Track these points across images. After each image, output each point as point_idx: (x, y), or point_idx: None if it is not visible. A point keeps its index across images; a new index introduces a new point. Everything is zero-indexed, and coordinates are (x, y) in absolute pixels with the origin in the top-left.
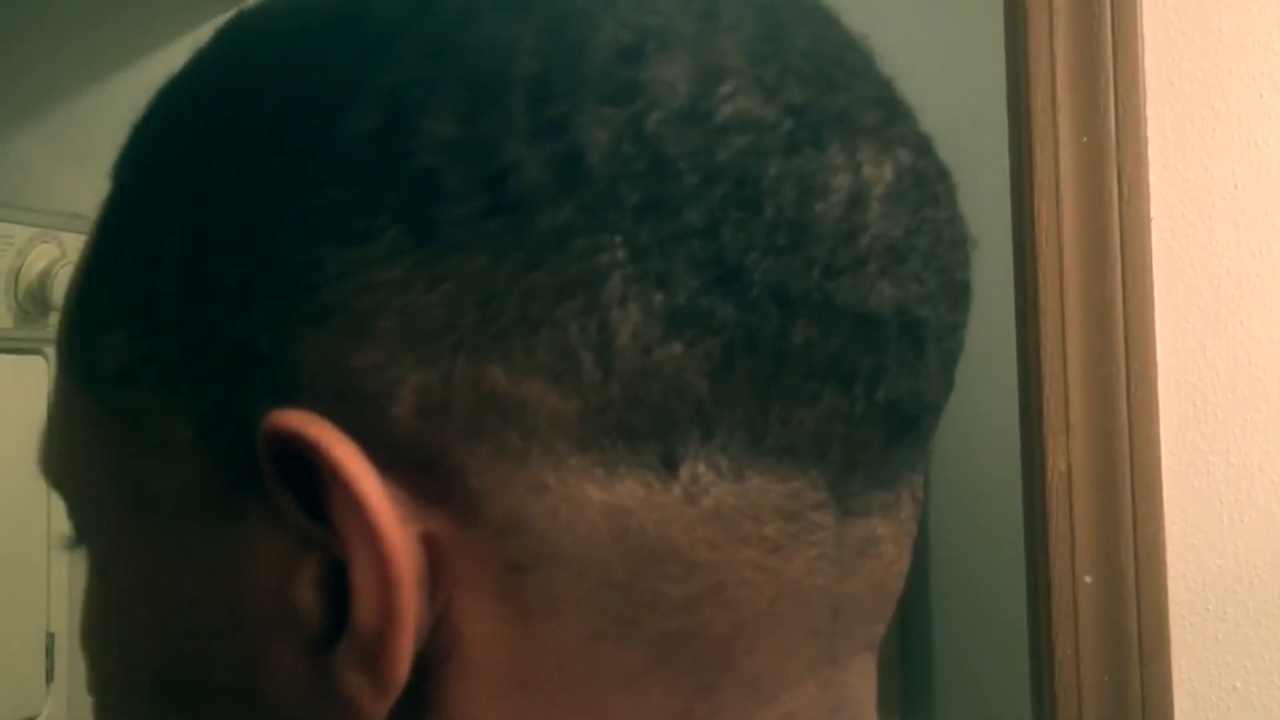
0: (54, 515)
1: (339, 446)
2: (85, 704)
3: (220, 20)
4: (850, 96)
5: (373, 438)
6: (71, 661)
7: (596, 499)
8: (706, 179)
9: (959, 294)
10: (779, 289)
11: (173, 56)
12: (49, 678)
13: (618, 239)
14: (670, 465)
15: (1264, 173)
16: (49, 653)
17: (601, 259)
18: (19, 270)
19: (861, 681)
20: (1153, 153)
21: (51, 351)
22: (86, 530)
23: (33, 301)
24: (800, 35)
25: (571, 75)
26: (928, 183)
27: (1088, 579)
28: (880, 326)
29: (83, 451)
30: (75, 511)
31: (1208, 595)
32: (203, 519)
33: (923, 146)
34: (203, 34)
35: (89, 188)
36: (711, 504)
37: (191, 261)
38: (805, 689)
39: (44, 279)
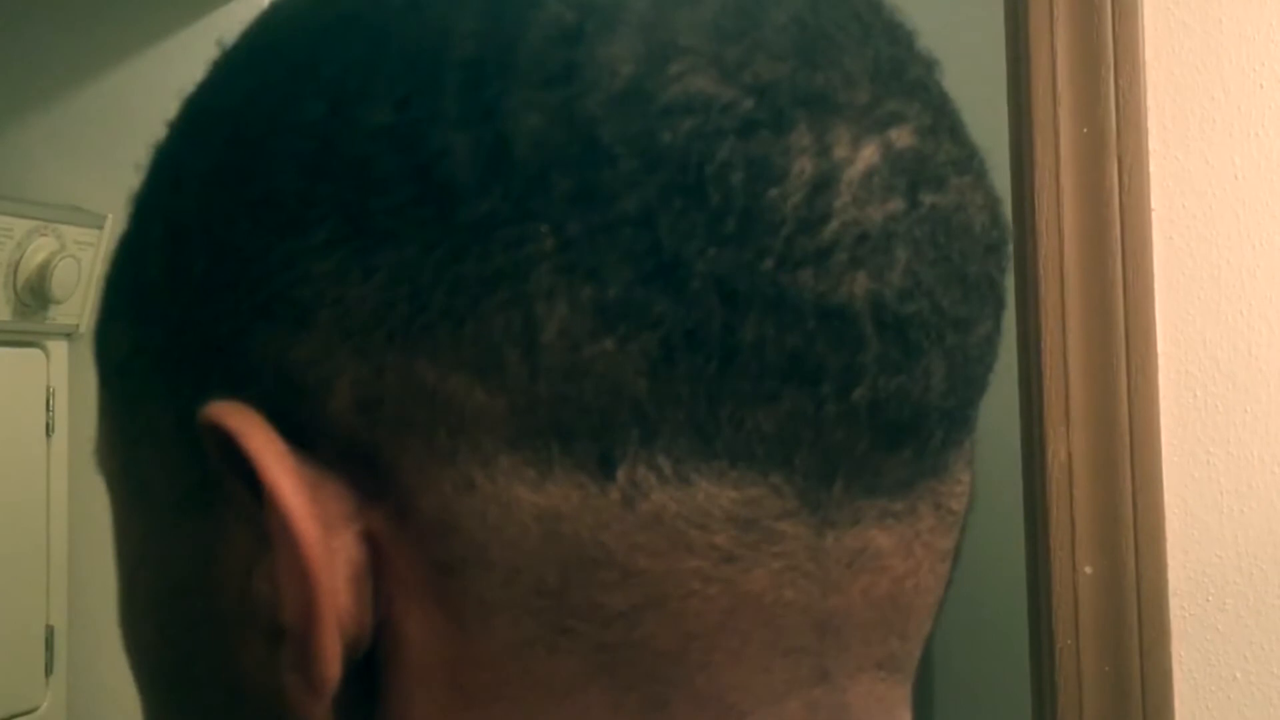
0: (53, 509)
1: (255, 438)
2: (84, 697)
3: (220, 13)
4: (834, 74)
5: (314, 431)
6: (71, 655)
7: (527, 500)
8: (645, 165)
9: (971, 286)
10: (724, 282)
11: (171, 50)
12: (48, 671)
13: (544, 229)
14: (606, 467)
15: (1264, 163)
16: (48, 646)
17: (527, 250)
18: (18, 263)
19: (868, 705)
20: (1153, 143)
21: (50, 344)
22: (112, 515)
23: (31, 294)
24: (783, 9)
25: (506, 58)
26: (929, 165)
27: (1088, 569)
28: (851, 322)
29: (104, 439)
30: (109, 496)
31: (1208, 585)
32: (186, 509)
33: (934, 125)
34: (200, 27)
35: (88, 181)
36: (651, 509)
37: (169, 252)
38: (787, 709)
39: (43, 272)
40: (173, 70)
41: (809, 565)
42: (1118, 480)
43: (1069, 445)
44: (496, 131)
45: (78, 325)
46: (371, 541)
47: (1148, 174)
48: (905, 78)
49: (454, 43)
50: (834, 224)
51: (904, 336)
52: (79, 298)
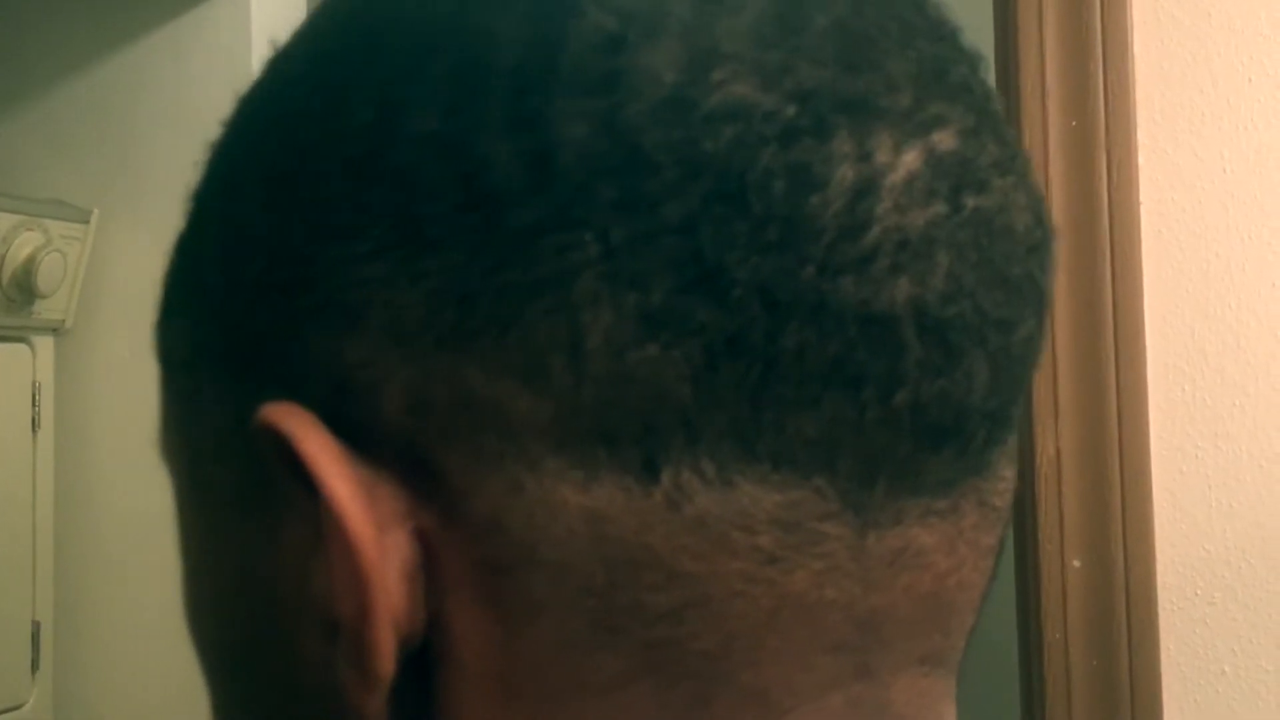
0: (38, 504)
1: (310, 440)
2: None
3: (205, 8)
4: (875, 78)
5: (366, 433)
6: (57, 651)
7: (574, 502)
8: (688, 173)
9: (1013, 287)
10: (766, 289)
11: (157, 45)
12: (34, 667)
13: (589, 237)
14: (651, 470)
15: (1253, 156)
16: (34, 642)
17: (571, 257)
18: (3, 258)
19: (911, 700)
20: (1142, 137)
21: (36, 339)
22: (175, 508)
23: (17, 289)
24: (824, 13)
25: (549, 66)
26: (971, 168)
27: (1076, 563)
28: (893, 327)
29: (166, 431)
30: (172, 485)
31: (1196, 580)
32: (245, 504)
33: (977, 126)
34: (187, 21)
35: (74, 175)
36: (695, 512)
37: (225, 254)
38: (830, 704)
39: (28, 266)
40: (159, 65)
41: (851, 565)
42: (1106, 475)
43: (1057, 440)
44: (540, 140)
45: (64, 320)
46: (423, 540)
47: (1136, 168)
48: (948, 79)
49: (498, 51)
50: (875, 230)
51: (945, 340)
52: (65, 293)
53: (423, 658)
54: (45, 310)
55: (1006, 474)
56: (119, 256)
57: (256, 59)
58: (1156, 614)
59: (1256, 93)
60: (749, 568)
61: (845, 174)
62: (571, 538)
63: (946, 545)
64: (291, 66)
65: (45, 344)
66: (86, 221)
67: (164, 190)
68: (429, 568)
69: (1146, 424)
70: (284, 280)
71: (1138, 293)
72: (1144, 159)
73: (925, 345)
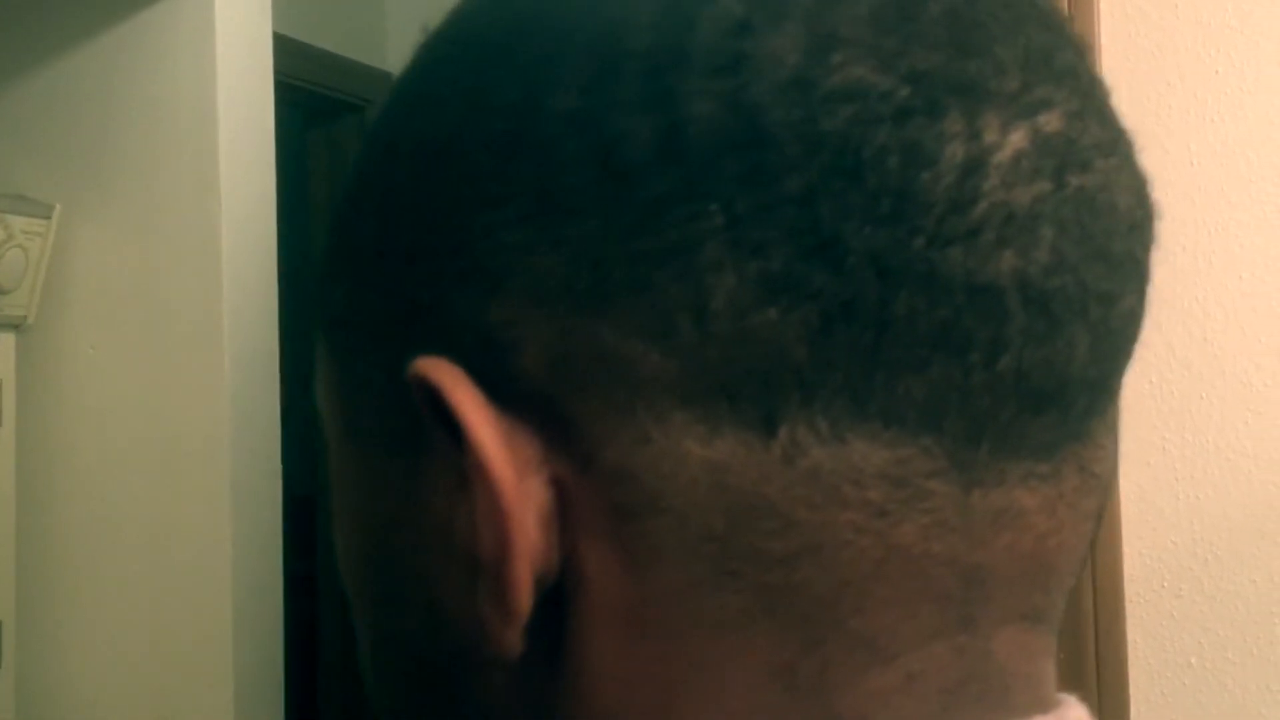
0: (0, 501)
1: (459, 391)
2: (32, 691)
3: (170, 2)
4: (986, 62)
5: (507, 386)
6: (20, 649)
7: (697, 454)
8: (808, 149)
9: (1115, 263)
10: (879, 258)
11: (123, 38)
12: None
13: (714, 207)
14: (769, 426)
15: (1220, 149)
16: None
17: (699, 226)
18: None
19: (1012, 652)
20: None
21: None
22: (328, 456)
23: None
24: (938, 1)
25: (681, 49)
26: (1075, 148)
27: None
28: (998, 296)
29: (322, 384)
30: (326, 434)
31: (1163, 572)
32: (395, 451)
33: (1082, 109)
34: (152, 15)
35: (35, 170)
36: (810, 465)
37: (381, 222)
38: (934, 652)
39: None
40: (123, 60)
41: (956, 521)
42: None
43: None
44: (671, 117)
45: (25, 316)
46: (558, 486)
47: None
48: (1055, 64)
49: (633, 35)
50: (982, 205)
51: (1048, 310)
52: (27, 288)
53: (556, 595)
54: (7, 306)
55: (1106, 443)
56: (82, 252)
57: (221, 53)
58: (1123, 607)
59: (1224, 85)
60: (859, 519)
61: (955, 151)
62: (694, 486)
63: (1047, 507)
64: (443, 49)
65: (7, 340)
66: (49, 217)
67: (127, 185)
68: (563, 512)
69: None
70: (435, 246)
71: None
72: None
73: (1028, 314)
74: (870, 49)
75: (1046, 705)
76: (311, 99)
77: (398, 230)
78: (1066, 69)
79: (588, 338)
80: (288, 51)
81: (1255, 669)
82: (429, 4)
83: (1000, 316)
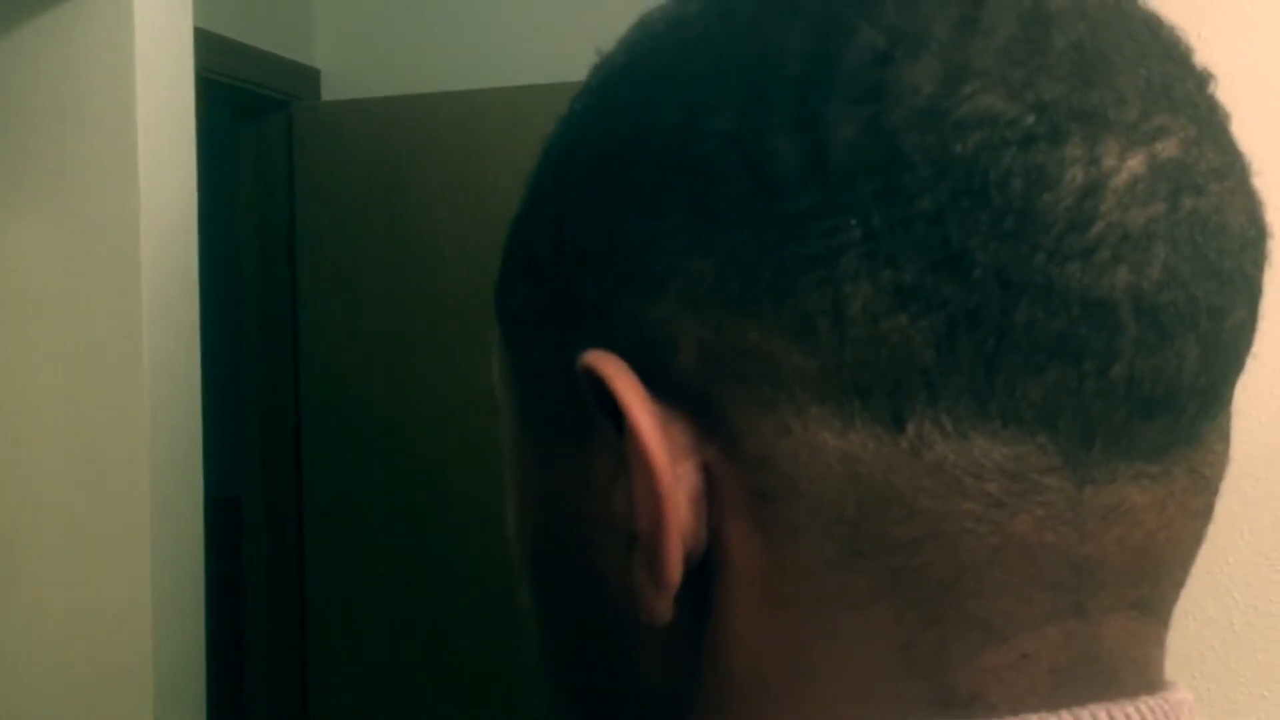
0: None
1: (621, 381)
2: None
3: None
4: (1107, 92)
5: (664, 379)
6: None
7: (832, 445)
8: (938, 171)
9: (1225, 279)
10: (1002, 271)
11: (39, 33)
12: None
13: (853, 222)
14: (898, 421)
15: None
16: None
17: (839, 239)
18: None
19: (1120, 638)
20: None
21: None
22: (505, 439)
23: None
24: (1066, 35)
25: (827, 77)
26: (1190, 173)
27: None
28: (1112, 309)
29: (500, 373)
30: (503, 418)
31: None
32: (562, 433)
33: (1199, 137)
34: (68, 10)
35: None
36: (934, 458)
37: (555, 228)
38: (1046, 635)
39: None
40: (39, 55)
41: (1068, 514)
42: None
43: None
44: (816, 139)
45: None
46: (706, 471)
47: None
48: (1174, 94)
49: (785, 63)
50: (1099, 225)
51: (1159, 323)
52: None
53: (703, 569)
54: None
55: (1217, 447)
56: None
57: (139, 49)
58: None
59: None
60: (978, 509)
61: (1075, 175)
62: (828, 474)
63: (1157, 505)
64: (614, 72)
65: None
66: None
67: (45, 185)
68: (710, 494)
69: None
70: (603, 250)
71: None
72: None
73: (1141, 326)
74: (999, 79)
75: (1153, 689)
76: (239, 95)
77: (571, 235)
78: (1185, 99)
79: (736, 337)
80: (214, 48)
81: None
82: (356, 1)
83: (1113, 328)
